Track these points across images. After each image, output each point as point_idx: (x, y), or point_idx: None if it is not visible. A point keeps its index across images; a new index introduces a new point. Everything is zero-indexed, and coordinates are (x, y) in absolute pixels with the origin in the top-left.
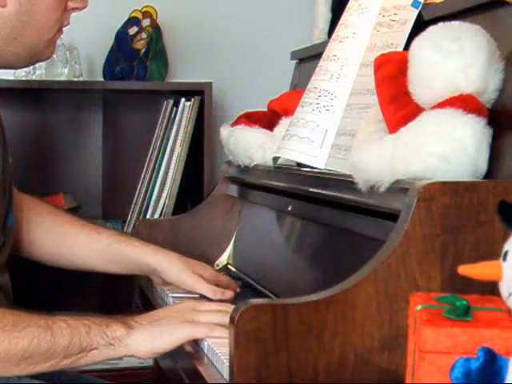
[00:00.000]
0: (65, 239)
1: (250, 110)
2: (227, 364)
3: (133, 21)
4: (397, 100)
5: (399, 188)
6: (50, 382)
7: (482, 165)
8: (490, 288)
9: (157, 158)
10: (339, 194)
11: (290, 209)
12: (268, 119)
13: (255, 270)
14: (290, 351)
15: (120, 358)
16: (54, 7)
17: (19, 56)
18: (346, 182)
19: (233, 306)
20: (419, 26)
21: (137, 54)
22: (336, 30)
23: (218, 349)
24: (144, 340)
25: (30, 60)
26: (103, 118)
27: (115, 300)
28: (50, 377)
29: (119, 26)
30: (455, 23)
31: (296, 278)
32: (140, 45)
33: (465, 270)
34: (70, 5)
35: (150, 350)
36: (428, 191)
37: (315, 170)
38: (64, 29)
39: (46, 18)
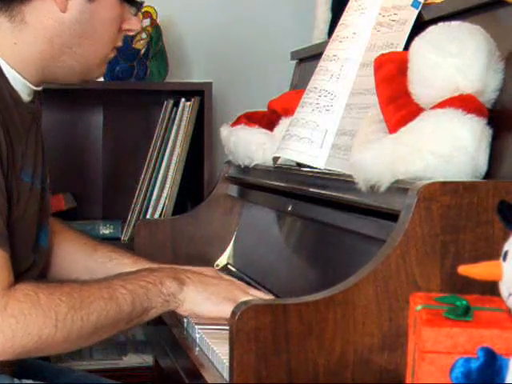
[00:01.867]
0: (66, 257)
1: (250, 110)
2: (227, 364)
3: None
4: (396, 100)
5: (399, 188)
6: (51, 382)
7: (482, 165)
8: (490, 288)
9: (157, 157)
10: (339, 194)
11: (289, 209)
12: (268, 119)
13: (255, 270)
14: (290, 351)
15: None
16: (111, 22)
17: (72, 69)
18: (346, 182)
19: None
20: (419, 25)
21: (137, 54)
22: (336, 30)
23: (218, 349)
24: (192, 298)
25: (81, 76)
26: (103, 118)
27: None
28: (51, 377)
29: None
30: (455, 23)
31: (296, 278)
32: (140, 45)
33: (465, 270)
34: (125, 26)
35: (192, 309)
36: (428, 191)
37: (315, 170)
38: None
39: (103, 33)
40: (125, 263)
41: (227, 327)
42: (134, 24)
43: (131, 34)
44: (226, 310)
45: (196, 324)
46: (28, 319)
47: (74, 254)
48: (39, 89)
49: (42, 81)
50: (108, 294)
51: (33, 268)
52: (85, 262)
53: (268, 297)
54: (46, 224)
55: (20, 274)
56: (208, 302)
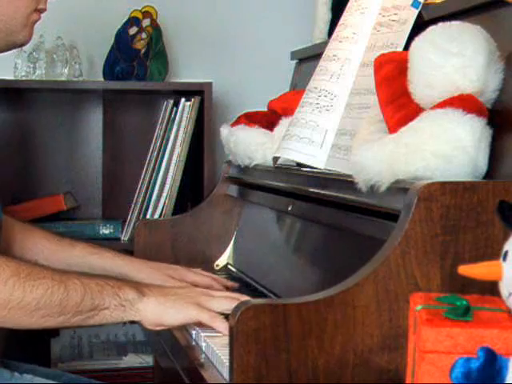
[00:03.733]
0: (42, 255)
1: (250, 110)
2: (227, 364)
3: (133, 21)
4: (396, 100)
5: (399, 188)
6: (49, 383)
7: (482, 165)
8: (490, 288)
9: (157, 157)
10: (339, 194)
11: (290, 209)
12: (268, 119)
13: (255, 270)
14: (290, 351)
15: (124, 357)
16: None
17: None
18: (346, 182)
19: (245, 296)
20: (419, 25)
21: (137, 54)
22: (336, 30)
23: (218, 349)
24: (153, 309)
25: (6, 38)
26: (103, 118)
27: None
28: (48, 378)
29: (119, 26)
30: (455, 23)
31: (296, 278)
32: (140, 45)
33: (465, 270)
34: None
35: (157, 320)
36: (428, 191)
37: (315, 170)
38: (64, 28)
39: None
40: (106, 256)
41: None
42: None
43: None
44: (190, 314)
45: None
46: None
47: (54, 253)
48: None
49: None
50: (59, 278)
51: None
52: (64, 259)
53: (237, 295)
54: None
55: None
56: (171, 311)
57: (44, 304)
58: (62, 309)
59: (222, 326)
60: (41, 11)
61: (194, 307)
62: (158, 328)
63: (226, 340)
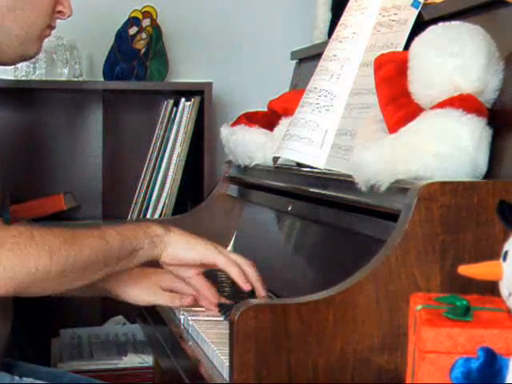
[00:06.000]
0: None
1: (250, 110)
2: (227, 364)
3: (133, 21)
4: (396, 100)
5: (399, 188)
6: (51, 383)
7: (482, 164)
8: (490, 288)
9: (157, 157)
10: (339, 194)
11: (289, 209)
12: (268, 119)
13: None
14: (290, 351)
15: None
16: None
17: (14, 38)
18: (346, 182)
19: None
20: (419, 25)
21: (137, 54)
22: (336, 30)
23: (218, 349)
24: (178, 242)
25: (20, 48)
26: (103, 118)
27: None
28: (50, 377)
29: (119, 26)
30: (455, 23)
31: (296, 278)
32: (140, 45)
33: (465, 270)
34: (58, 7)
35: (178, 254)
36: (428, 191)
37: (315, 170)
38: (64, 28)
39: (43, 1)
40: None
41: (222, 318)
42: (67, 7)
43: (63, 17)
44: (208, 253)
45: (194, 321)
46: (24, 252)
47: None
48: None
49: None
50: (98, 233)
51: None
52: None
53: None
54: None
55: None
56: (193, 246)
57: (92, 261)
58: (107, 260)
59: (235, 271)
60: (52, 28)
61: (214, 249)
62: (177, 263)
63: (226, 339)
